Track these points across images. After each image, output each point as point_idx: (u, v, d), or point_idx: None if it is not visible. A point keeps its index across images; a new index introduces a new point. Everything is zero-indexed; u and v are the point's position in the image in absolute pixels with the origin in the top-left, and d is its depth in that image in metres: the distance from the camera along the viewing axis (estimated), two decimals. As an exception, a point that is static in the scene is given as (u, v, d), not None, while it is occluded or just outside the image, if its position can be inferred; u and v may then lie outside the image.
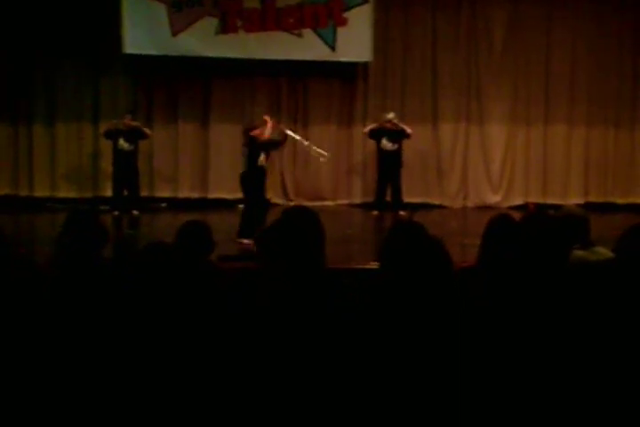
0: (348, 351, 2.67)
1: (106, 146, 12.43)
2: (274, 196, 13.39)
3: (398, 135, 12.34)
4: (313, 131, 13.44)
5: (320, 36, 12.78)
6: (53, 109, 12.90)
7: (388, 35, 13.30)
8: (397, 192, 12.36)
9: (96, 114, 12.97)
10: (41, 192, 12.94)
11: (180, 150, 13.25)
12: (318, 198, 13.26)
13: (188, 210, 11.94)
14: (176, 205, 12.79)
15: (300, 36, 12.76)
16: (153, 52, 12.57)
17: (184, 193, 13.28)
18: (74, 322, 2.91)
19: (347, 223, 11.12)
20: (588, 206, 12.05)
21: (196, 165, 13.31)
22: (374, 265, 3.65)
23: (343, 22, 12.78)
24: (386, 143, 12.33)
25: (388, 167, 12.36)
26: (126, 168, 11.91)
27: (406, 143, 12.58)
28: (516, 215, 4.02)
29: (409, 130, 12.32)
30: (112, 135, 11.95)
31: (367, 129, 12.67)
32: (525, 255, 3.35)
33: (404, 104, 13.44)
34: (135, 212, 11.77)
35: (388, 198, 12.43)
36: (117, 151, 11.95)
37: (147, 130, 12.18)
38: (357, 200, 13.54)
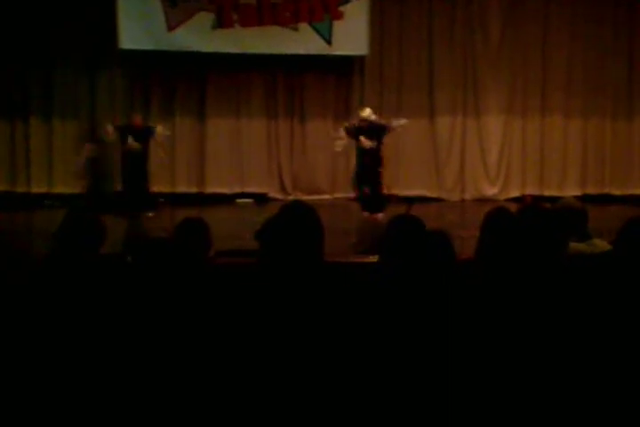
0: (347, 344, 2.67)
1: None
2: (271, 190, 13.42)
3: (376, 132, 11.27)
4: (309, 125, 13.44)
5: (316, 29, 12.76)
6: (50, 105, 12.88)
7: (383, 28, 13.28)
8: (377, 191, 11.38)
9: (93, 109, 12.95)
10: (38, 188, 12.93)
11: (176, 145, 13.25)
12: (316, 192, 13.26)
13: (186, 205, 11.93)
14: (173, 200, 12.78)
15: (296, 30, 12.75)
16: (149, 47, 12.56)
17: (181, 188, 13.28)
18: (72, 320, 2.91)
19: (345, 217, 11.11)
20: (586, 198, 12.07)
21: (193, 159, 13.31)
22: (373, 259, 3.66)
23: (339, 16, 12.76)
24: (364, 140, 11.25)
25: (367, 165, 11.35)
26: (134, 168, 11.55)
27: (404, 136, 12.52)
28: (514, 207, 4.03)
29: (394, 123, 11.39)
30: (121, 134, 11.58)
31: (341, 134, 11.56)
32: (523, 248, 3.35)
33: (401, 97, 13.43)
34: (150, 214, 11.31)
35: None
36: (126, 151, 11.58)
37: (159, 129, 11.77)
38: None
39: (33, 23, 12.48)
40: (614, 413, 2.73)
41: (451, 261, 2.92)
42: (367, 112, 11.39)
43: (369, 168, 11.30)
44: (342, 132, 11.44)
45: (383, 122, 11.37)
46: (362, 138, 11.26)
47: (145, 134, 11.66)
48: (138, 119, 11.73)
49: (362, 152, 11.38)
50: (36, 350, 2.77)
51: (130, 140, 11.53)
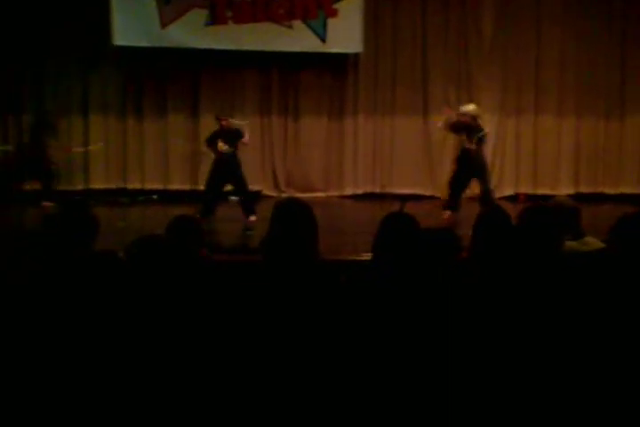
0: (340, 341, 2.67)
1: (97, 137, 12.41)
2: (265, 187, 13.40)
3: (475, 131, 10.77)
4: (304, 122, 13.44)
5: (310, 27, 12.76)
6: (43, 102, 12.84)
7: (378, 26, 13.28)
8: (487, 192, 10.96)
9: (85, 106, 12.93)
10: (31, 185, 12.88)
11: (170, 142, 13.23)
12: (309, 190, 13.26)
13: (179, 202, 11.91)
14: (167, 197, 12.77)
15: (290, 27, 12.74)
16: (143, 43, 12.54)
17: (175, 185, 13.27)
18: (63, 316, 2.90)
19: (337, 215, 11.11)
20: (579, 197, 12.08)
21: (186, 156, 13.29)
22: (367, 256, 3.67)
23: (333, 13, 12.75)
24: (465, 140, 10.80)
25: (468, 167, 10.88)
26: (226, 171, 10.93)
27: (398, 134, 12.51)
28: (507, 206, 4.04)
29: (485, 129, 10.97)
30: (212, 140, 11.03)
31: (441, 124, 11.30)
32: (520, 246, 3.36)
33: (395, 95, 13.44)
34: (252, 218, 10.65)
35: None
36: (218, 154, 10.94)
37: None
38: (348, 192, 13.55)
39: (25, 20, 12.43)
40: (603, 409, 2.74)
41: (450, 259, 2.92)
42: (472, 107, 11.18)
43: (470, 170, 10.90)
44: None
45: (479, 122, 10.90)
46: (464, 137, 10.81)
47: (235, 137, 10.94)
48: (226, 122, 11.01)
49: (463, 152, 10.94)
50: (29, 347, 2.77)
51: (220, 143, 10.89)
